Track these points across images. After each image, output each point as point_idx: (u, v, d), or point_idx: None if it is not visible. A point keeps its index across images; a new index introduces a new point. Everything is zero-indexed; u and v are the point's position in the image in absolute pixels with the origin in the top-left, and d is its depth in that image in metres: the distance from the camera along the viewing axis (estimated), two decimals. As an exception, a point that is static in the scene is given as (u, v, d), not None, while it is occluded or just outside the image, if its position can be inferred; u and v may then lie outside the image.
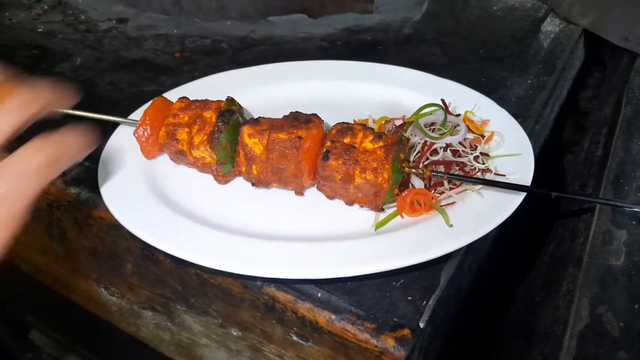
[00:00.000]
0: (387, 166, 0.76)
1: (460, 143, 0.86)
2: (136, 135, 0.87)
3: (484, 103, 0.97)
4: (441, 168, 0.84)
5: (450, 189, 0.83)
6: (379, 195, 0.78)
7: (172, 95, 1.01)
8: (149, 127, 0.86)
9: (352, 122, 0.83)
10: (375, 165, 0.76)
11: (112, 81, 1.13)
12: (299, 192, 0.84)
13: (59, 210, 0.94)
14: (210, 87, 1.02)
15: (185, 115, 0.85)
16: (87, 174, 0.93)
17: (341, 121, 0.83)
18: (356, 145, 0.79)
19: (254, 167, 0.82)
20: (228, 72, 1.07)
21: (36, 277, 1.19)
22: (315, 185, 0.84)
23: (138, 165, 0.89)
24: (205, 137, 0.83)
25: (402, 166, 0.80)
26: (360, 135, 0.80)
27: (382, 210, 0.81)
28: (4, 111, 0.49)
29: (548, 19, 1.31)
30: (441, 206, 0.81)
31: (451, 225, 0.77)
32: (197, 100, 0.87)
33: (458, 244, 0.75)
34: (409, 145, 0.87)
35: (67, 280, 1.10)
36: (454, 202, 0.81)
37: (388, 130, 0.92)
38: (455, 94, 0.99)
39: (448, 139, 0.85)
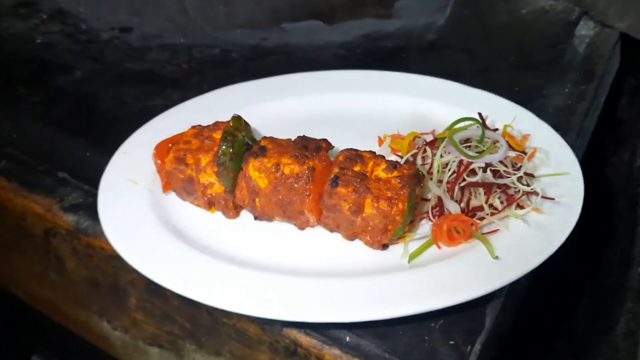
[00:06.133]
0: (403, 197, 0.68)
1: (500, 162, 0.77)
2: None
3: (522, 115, 0.89)
4: (481, 191, 0.75)
5: (492, 213, 0.74)
6: (389, 229, 0.70)
7: (179, 110, 0.94)
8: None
9: (361, 150, 0.76)
10: (389, 195, 0.69)
11: (115, 95, 1.06)
12: (301, 227, 0.76)
13: (56, 238, 0.86)
14: (219, 102, 0.95)
15: (197, 141, 0.78)
16: (86, 199, 0.84)
17: (349, 147, 0.76)
18: (367, 174, 0.71)
19: (257, 200, 0.75)
20: (239, 85, 0.99)
21: (34, 306, 1.10)
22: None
23: (143, 190, 0.81)
24: (212, 158, 0.75)
25: (416, 202, 0.72)
26: (371, 163, 0.73)
27: (386, 248, 0.73)
28: None
29: (581, 22, 1.22)
30: (483, 234, 0.72)
31: (497, 257, 0.68)
32: (208, 126, 0.80)
33: (507, 279, 0.66)
34: (443, 163, 0.78)
35: (67, 310, 1.02)
36: (496, 230, 0.72)
37: (417, 147, 0.83)
38: (489, 106, 0.90)
39: (487, 158, 0.75)
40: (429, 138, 0.85)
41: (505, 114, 0.88)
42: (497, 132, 0.82)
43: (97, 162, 0.88)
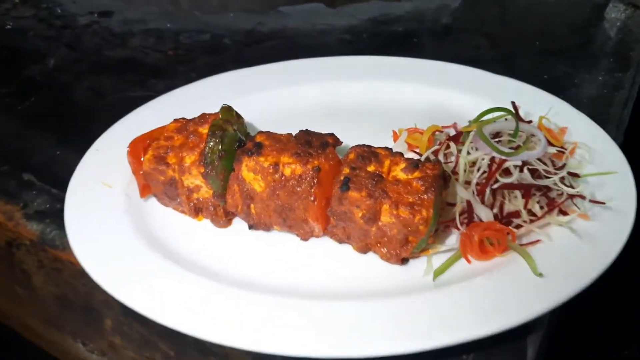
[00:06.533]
0: (428, 203, 0.57)
1: (538, 159, 0.65)
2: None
3: (557, 106, 0.78)
4: (517, 194, 0.63)
5: (531, 220, 0.62)
6: (410, 241, 0.59)
7: (162, 101, 0.84)
8: None
9: (375, 146, 0.65)
10: (411, 200, 0.58)
11: (93, 85, 0.97)
12: (305, 238, 0.66)
13: (20, 250, 0.75)
14: (208, 92, 0.85)
15: (180, 137, 0.68)
16: (53, 205, 0.74)
17: (361, 144, 0.65)
18: (383, 175, 0.60)
19: (252, 206, 0.65)
20: (231, 73, 0.90)
21: (4, 322, 0.99)
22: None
23: (118, 195, 0.69)
24: (197, 157, 0.64)
25: (441, 208, 0.62)
26: (388, 162, 0.62)
27: (406, 262, 0.62)
28: None
29: (610, 5, 1.11)
30: (521, 245, 0.60)
31: (540, 274, 0.57)
32: (194, 119, 0.69)
33: (553, 301, 0.55)
34: (470, 161, 0.66)
35: (38, 330, 0.91)
36: (537, 240, 0.61)
37: (439, 143, 0.71)
38: (518, 95, 0.80)
39: (525, 155, 0.64)
40: (452, 132, 0.73)
41: (536, 104, 0.78)
42: (530, 124, 0.71)
43: (68, 161, 0.78)
